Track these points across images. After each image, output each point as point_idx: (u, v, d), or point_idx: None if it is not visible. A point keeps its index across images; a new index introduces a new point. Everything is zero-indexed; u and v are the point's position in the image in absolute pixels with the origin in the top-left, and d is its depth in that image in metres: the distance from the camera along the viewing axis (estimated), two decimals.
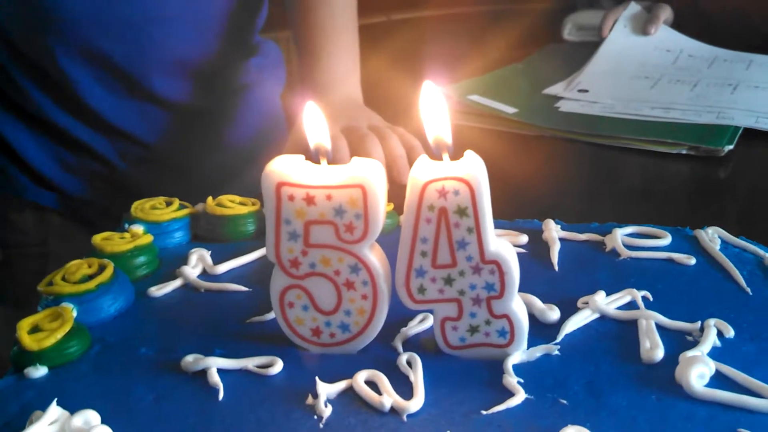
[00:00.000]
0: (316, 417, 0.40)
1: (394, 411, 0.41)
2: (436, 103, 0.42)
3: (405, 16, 1.59)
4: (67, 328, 0.45)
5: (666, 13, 1.33)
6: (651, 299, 0.49)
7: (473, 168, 0.41)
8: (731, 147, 0.90)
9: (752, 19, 1.29)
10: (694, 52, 1.24)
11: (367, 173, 0.42)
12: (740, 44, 1.24)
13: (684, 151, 0.91)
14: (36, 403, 0.41)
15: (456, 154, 0.42)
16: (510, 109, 1.04)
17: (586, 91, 1.11)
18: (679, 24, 1.33)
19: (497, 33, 1.35)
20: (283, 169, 0.42)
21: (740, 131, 0.94)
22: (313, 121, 0.43)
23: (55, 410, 0.40)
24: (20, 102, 0.83)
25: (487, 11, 1.57)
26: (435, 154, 0.42)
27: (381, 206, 0.42)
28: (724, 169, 0.88)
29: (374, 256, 0.44)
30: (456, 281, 0.43)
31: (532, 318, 0.46)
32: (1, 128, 0.84)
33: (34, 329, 0.46)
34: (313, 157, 0.43)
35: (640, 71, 1.18)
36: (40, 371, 0.44)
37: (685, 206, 0.81)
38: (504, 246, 0.43)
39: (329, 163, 0.43)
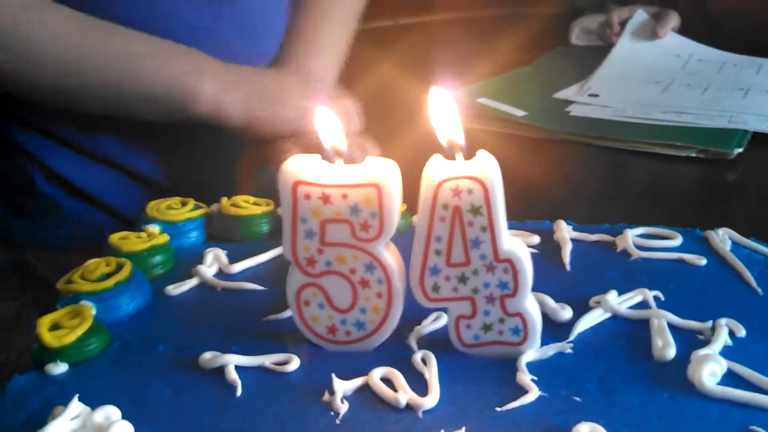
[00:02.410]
0: (332, 413, 0.41)
1: (409, 407, 0.41)
2: (446, 106, 0.43)
3: (413, 21, 1.60)
4: (86, 325, 0.46)
5: (674, 19, 1.33)
6: (662, 299, 0.50)
7: (487, 167, 0.42)
8: (741, 150, 0.90)
9: (760, 23, 1.29)
10: (703, 57, 1.25)
11: (383, 172, 0.42)
12: (749, 49, 1.24)
13: (693, 154, 0.91)
14: (57, 399, 0.42)
15: (467, 157, 0.43)
16: (519, 112, 1.05)
17: (597, 95, 1.11)
18: (686, 30, 1.33)
19: (505, 36, 1.36)
20: (300, 168, 0.43)
21: (749, 135, 0.94)
22: (326, 122, 0.44)
23: (76, 405, 0.40)
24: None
25: (495, 15, 1.57)
26: (448, 154, 0.43)
27: (396, 205, 0.43)
28: (733, 172, 0.89)
29: (389, 255, 0.44)
30: (470, 279, 0.44)
31: (545, 317, 0.47)
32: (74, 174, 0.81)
33: (55, 326, 0.46)
34: (329, 157, 0.43)
35: (650, 76, 1.18)
36: (60, 368, 0.45)
37: (695, 209, 0.81)
38: (517, 244, 0.44)
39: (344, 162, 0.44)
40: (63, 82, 0.72)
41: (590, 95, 1.11)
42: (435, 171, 0.42)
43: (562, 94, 1.13)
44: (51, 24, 0.71)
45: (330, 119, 0.44)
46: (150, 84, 0.72)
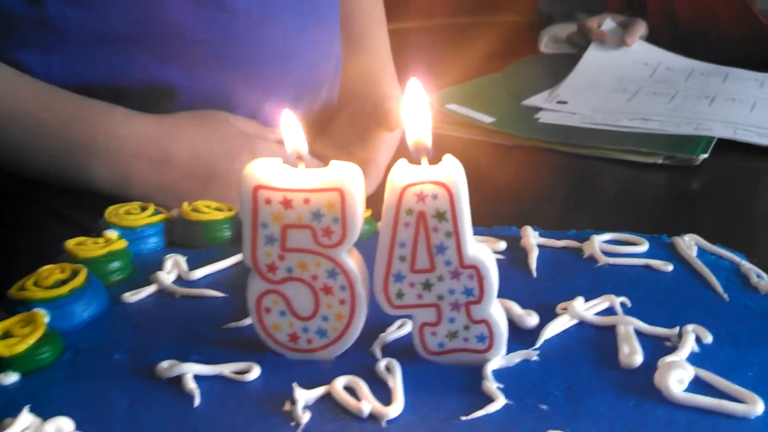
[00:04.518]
0: (293, 423, 0.40)
1: (372, 417, 0.40)
2: (419, 103, 0.42)
3: None
4: (38, 333, 0.44)
5: (642, 28, 1.34)
6: (629, 305, 0.49)
7: (452, 172, 0.41)
8: (706, 156, 0.91)
9: (726, 33, 1.31)
10: (671, 65, 1.26)
11: (345, 177, 0.42)
12: (715, 58, 1.26)
13: (660, 161, 0.92)
14: (6, 410, 0.40)
15: (434, 162, 0.42)
16: (488, 119, 1.05)
17: (565, 102, 1.11)
18: (654, 39, 1.35)
19: (475, 44, 1.36)
20: (261, 172, 0.42)
21: (714, 141, 0.95)
22: (291, 125, 0.43)
23: (26, 417, 0.39)
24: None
25: (466, 23, 1.58)
26: (414, 158, 0.42)
27: (359, 210, 0.42)
28: (698, 178, 0.89)
29: (352, 261, 0.43)
30: (434, 286, 0.43)
31: (511, 324, 0.46)
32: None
33: (5, 335, 0.45)
34: (291, 160, 0.42)
35: (619, 84, 1.19)
36: (11, 377, 0.43)
37: (661, 215, 0.82)
38: (483, 250, 0.43)
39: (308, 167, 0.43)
40: None
41: (559, 102, 1.12)
42: (400, 175, 0.42)
43: (531, 101, 1.13)
44: None
45: (291, 122, 0.43)
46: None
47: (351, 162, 0.43)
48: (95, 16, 0.70)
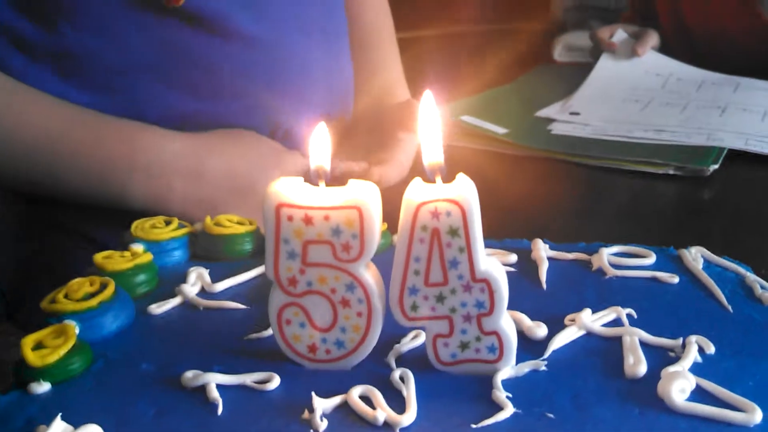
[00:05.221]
0: (312, 431, 0.42)
1: (387, 425, 0.42)
2: (432, 118, 0.44)
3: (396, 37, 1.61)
4: (69, 344, 0.47)
5: (653, 38, 1.35)
6: (635, 317, 0.51)
7: (465, 190, 0.43)
8: (716, 166, 0.92)
9: (737, 43, 1.32)
10: (682, 76, 1.27)
11: (364, 195, 0.44)
12: (727, 68, 1.27)
13: (671, 171, 0.93)
14: (40, 418, 0.43)
15: (448, 174, 0.44)
16: (501, 130, 1.07)
17: (578, 113, 1.13)
18: (666, 49, 1.36)
19: (488, 54, 1.37)
20: (283, 190, 0.44)
21: (725, 152, 0.96)
22: (320, 141, 0.45)
23: (59, 424, 0.41)
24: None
25: (478, 32, 1.59)
26: (429, 177, 0.44)
27: (376, 227, 0.44)
28: (709, 189, 0.90)
29: (369, 275, 0.45)
30: (447, 299, 0.45)
31: (521, 335, 0.48)
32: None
33: (38, 346, 0.47)
34: (312, 178, 0.44)
35: (631, 95, 1.20)
36: (43, 387, 0.45)
37: (671, 226, 0.83)
38: (494, 265, 0.45)
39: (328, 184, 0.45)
40: None
41: (571, 113, 1.13)
42: (415, 193, 0.44)
43: (544, 113, 1.14)
44: None
45: (321, 138, 0.45)
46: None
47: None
48: (114, 46, 0.72)
